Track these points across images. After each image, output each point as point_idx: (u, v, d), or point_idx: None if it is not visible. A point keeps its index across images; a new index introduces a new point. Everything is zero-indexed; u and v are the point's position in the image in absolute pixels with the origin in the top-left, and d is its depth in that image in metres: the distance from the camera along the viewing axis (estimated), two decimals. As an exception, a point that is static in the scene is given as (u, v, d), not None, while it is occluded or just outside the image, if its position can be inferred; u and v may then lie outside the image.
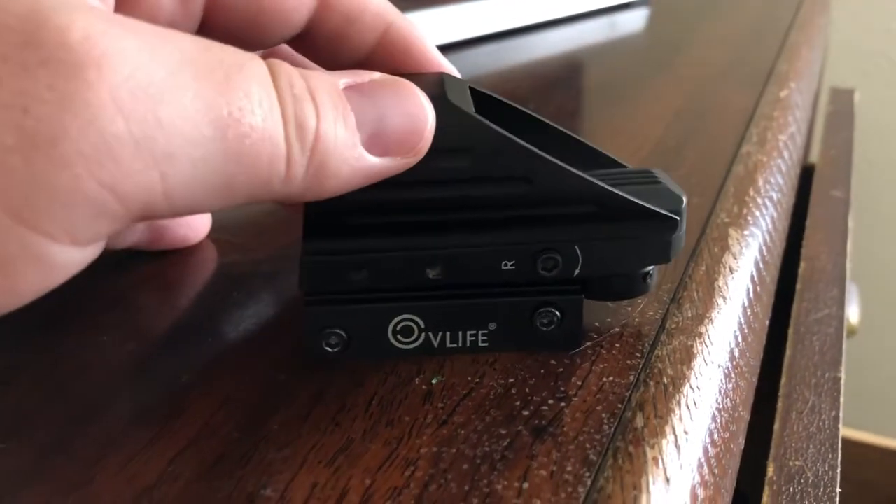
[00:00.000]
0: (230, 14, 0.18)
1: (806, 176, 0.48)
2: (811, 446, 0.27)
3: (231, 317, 0.22)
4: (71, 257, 0.14)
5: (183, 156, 0.14)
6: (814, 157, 0.54)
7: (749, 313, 0.23)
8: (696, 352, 0.19)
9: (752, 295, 0.23)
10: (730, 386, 0.20)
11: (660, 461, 0.16)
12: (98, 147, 0.13)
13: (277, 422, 0.18)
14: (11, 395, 0.19)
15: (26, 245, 0.13)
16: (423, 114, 0.17)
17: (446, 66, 0.21)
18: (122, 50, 0.13)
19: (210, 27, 0.19)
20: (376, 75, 0.17)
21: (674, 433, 0.17)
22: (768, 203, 0.28)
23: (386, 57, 0.20)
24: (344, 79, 0.17)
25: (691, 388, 0.18)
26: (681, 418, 0.17)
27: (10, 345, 0.20)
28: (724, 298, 0.22)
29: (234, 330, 0.21)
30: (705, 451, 0.17)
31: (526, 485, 0.16)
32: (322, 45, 0.20)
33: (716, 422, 0.18)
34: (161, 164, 0.13)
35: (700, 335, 0.20)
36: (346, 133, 0.16)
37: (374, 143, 0.17)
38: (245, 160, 0.14)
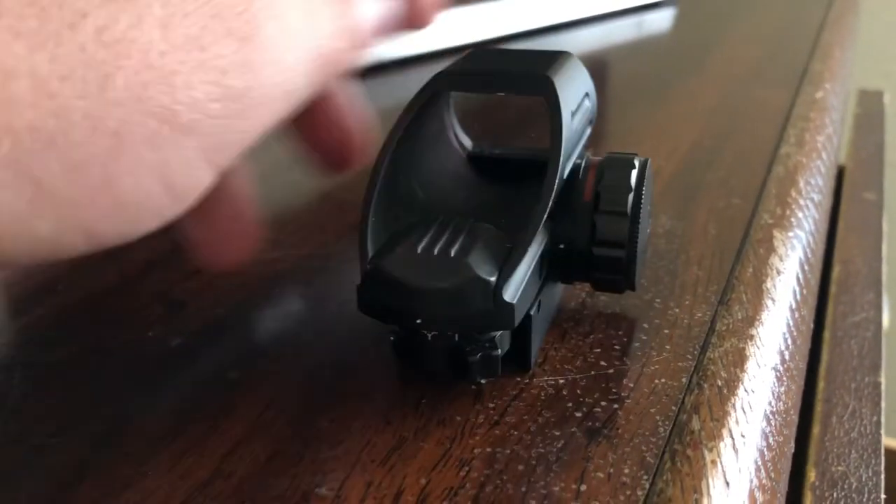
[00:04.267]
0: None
1: (835, 178, 0.48)
2: (853, 451, 0.26)
3: (274, 314, 0.22)
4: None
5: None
6: (841, 158, 0.54)
7: (797, 316, 0.22)
8: (748, 354, 0.19)
9: (798, 297, 0.23)
10: (782, 389, 0.19)
11: (718, 464, 0.16)
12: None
13: (328, 420, 0.18)
14: (62, 391, 0.19)
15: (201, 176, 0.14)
16: None
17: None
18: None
19: None
20: None
21: (731, 436, 0.17)
22: (810, 205, 0.28)
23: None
24: None
25: (745, 390, 0.18)
26: (737, 421, 0.17)
27: (59, 341, 0.20)
28: (773, 300, 0.22)
29: (278, 327, 0.21)
30: (761, 454, 0.17)
31: (584, 487, 0.16)
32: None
33: (770, 424, 0.18)
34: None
35: (751, 337, 0.20)
36: None
37: None
38: None
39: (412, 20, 0.19)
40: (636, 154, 0.20)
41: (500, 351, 0.17)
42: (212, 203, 0.17)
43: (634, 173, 0.19)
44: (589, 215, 0.19)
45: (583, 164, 0.20)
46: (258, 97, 0.14)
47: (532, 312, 0.18)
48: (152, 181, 0.13)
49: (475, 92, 0.19)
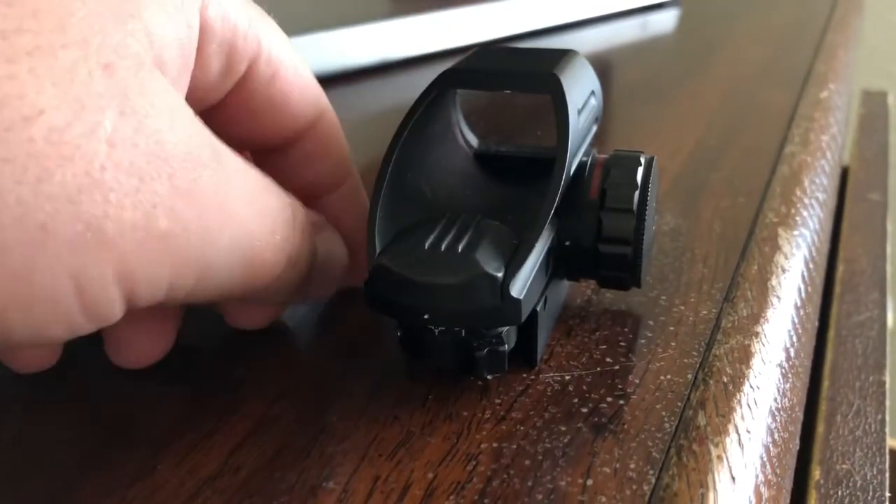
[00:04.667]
0: (252, 104, 0.19)
1: (840, 178, 0.48)
2: (858, 450, 0.26)
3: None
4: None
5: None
6: (846, 158, 0.54)
7: (802, 313, 0.22)
8: (753, 351, 0.19)
9: (804, 295, 0.23)
10: (787, 386, 0.19)
11: (724, 459, 0.16)
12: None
13: (335, 414, 0.18)
14: (72, 385, 0.19)
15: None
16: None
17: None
18: None
19: (234, 105, 0.19)
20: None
21: (737, 432, 0.17)
22: (815, 203, 0.28)
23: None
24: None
25: (751, 386, 0.18)
26: (743, 417, 0.17)
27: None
28: (778, 298, 0.22)
29: (285, 324, 0.21)
30: (767, 450, 0.17)
31: (590, 481, 0.16)
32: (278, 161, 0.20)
33: (776, 421, 0.18)
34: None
35: (757, 334, 0.20)
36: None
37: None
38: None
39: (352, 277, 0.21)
40: (642, 152, 0.20)
41: (506, 346, 0.17)
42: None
43: (640, 171, 0.19)
44: (595, 212, 0.19)
45: (589, 162, 0.20)
46: (180, 249, 0.14)
47: (538, 309, 0.18)
48: (67, 283, 0.13)
49: (482, 90, 0.20)
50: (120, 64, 0.13)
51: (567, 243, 0.19)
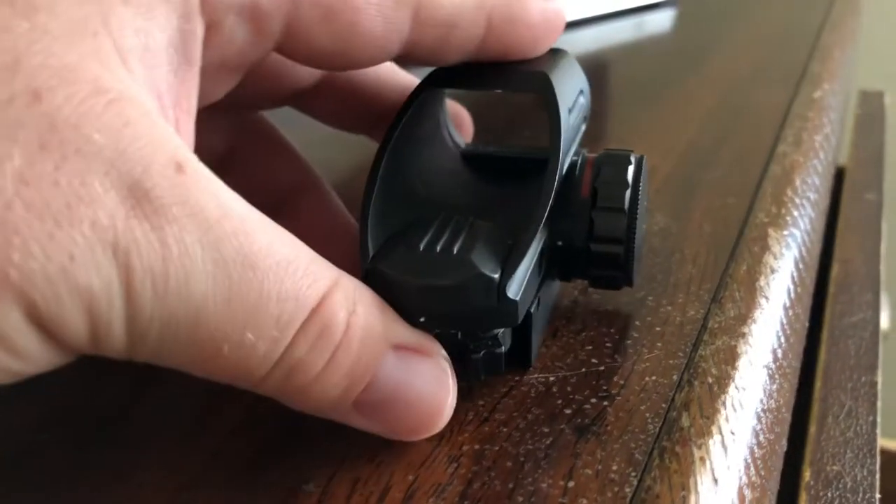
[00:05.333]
0: (312, 43, 0.17)
1: (836, 179, 0.48)
2: (849, 451, 0.26)
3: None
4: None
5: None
6: (842, 159, 0.54)
7: (791, 314, 0.22)
8: (739, 352, 0.19)
9: (793, 295, 0.23)
10: (774, 387, 0.19)
11: (707, 461, 0.16)
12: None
13: (314, 419, 0.17)
14: (54, 387, 0.19)
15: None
16: (438, 414, 0.16)
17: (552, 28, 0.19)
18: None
19: (289, 52, 0.17)
20: (426, 345, 0.16)
21: (720, 433, 0.17)
22: (806, 203, 0.28)
23: (497, 45, 0.19)
24: (398, 336, 0.16)
25: (736, 388, 0.18)
26: (727, 419, 0.17)
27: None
28: (766, 298, 0.22)
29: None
30: (751, 451, 0.17)
31: (571, 483, 0.16)
32: (424, 57, 0.18)
33: (761, 423, 0.18)
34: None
35: (743, 335, 0.20)
36: (334, 400, 0.15)
37: (370, 410, 0.15)
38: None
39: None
40: (632, 151, 0.20)
41: (503, 348, 0.17)
42: None
43: (631, 169, 0.19)
44: (587, 212, 0.19)
45: (579, 161, 0.20)
46: (102, 309, 0.12)
47: (532, 310, 0.18)
48: None
49: (472, 89, 0.19)
50: (58, 92, 0.12)
51: (559, 243, 0.19)
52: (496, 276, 0.16)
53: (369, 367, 0.15)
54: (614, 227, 0.19)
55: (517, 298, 0.16)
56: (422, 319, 0.16)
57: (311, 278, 0.14)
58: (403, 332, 0.16)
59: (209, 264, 0.13)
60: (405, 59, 0.19)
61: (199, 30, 0.15)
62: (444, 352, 0.17)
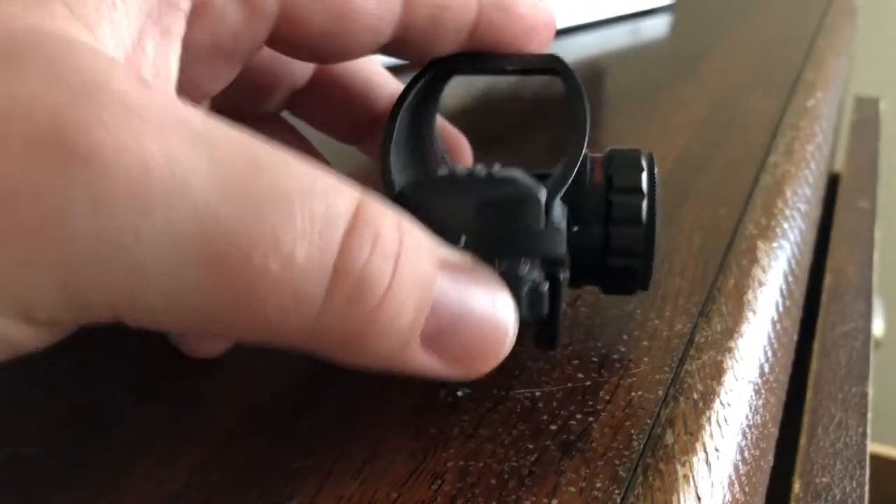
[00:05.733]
0: (307, 25, 0.16)
1: (831, 185, 0.48)
2: (838, 463, 0.26)
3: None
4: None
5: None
6: (838, 165, 0.54)
7: (779, 328, 0.22)
8: (725, 367, 0.19)
9: (781, 309, 0.23)
10: (760, 402, 0.19)
11: (691, 479, 0.16)
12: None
13: (304, 430, 0.18)
14: (38, 400, 0.19)
15: None
16: (504, 335, 0.14)
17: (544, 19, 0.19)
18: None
19: (284, 37, 0.17)
20: (477, 266, 0.15)
21: (704, 450, 0.17)
22: (796, 215, 0.28)
23: (489, 33, 0.18)
24: (446, 255, 0.14)
25: (721, 404, 0.18)
26: (711, 435, 0.17)
27: (35, 355, 0.20)
28: (754, 312, 0.22)
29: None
30: (736, 468, 0.17)
31: (555, 501, 0.16)
32: (416, 44, 0.18)
33: (746, 438, 0.18)
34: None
35: (730, 350, 0.20)
36: (406, 326, 0.13)
37: (436, 342, 0.14)
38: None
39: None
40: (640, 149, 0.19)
41: (546, 287, 0.16)
42: None
43: (644, 157, 0.19)
44: (603, 196, 0.18)
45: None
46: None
47: (561, 276, 0.17)
48: None
49: (488, 73, 0.19)
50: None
51: (575, 228, 0.18)
52: (543, 197, 0.15)
53: (430, 285, 0.13)
54: (632, 214, 0.18)
55: (561, 227, 0.15)
56: (463, 240, 0.15)
57: (335, 187, 0.12)
58: (446, 250, 0.14)
59: (203, 162, 0.11)
60: (397, 50, 0.19)
61: (183, 3, 0.15)
62: (491, 268, 0.15)
